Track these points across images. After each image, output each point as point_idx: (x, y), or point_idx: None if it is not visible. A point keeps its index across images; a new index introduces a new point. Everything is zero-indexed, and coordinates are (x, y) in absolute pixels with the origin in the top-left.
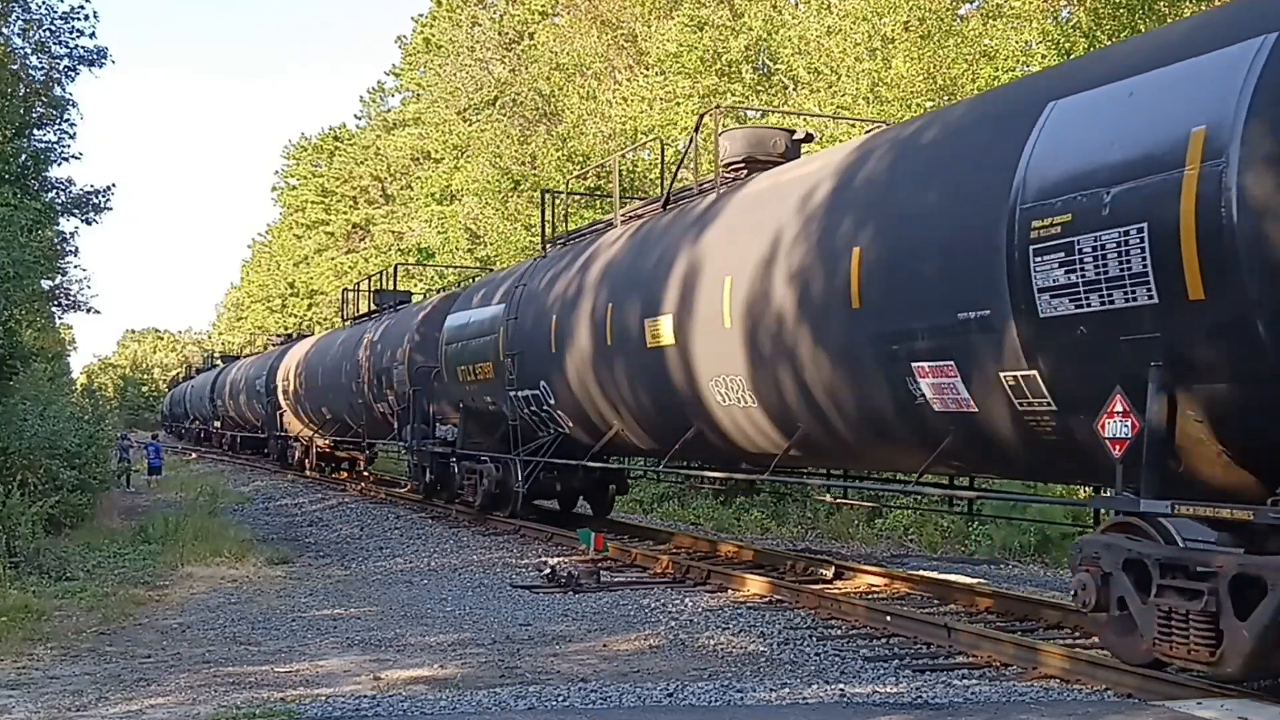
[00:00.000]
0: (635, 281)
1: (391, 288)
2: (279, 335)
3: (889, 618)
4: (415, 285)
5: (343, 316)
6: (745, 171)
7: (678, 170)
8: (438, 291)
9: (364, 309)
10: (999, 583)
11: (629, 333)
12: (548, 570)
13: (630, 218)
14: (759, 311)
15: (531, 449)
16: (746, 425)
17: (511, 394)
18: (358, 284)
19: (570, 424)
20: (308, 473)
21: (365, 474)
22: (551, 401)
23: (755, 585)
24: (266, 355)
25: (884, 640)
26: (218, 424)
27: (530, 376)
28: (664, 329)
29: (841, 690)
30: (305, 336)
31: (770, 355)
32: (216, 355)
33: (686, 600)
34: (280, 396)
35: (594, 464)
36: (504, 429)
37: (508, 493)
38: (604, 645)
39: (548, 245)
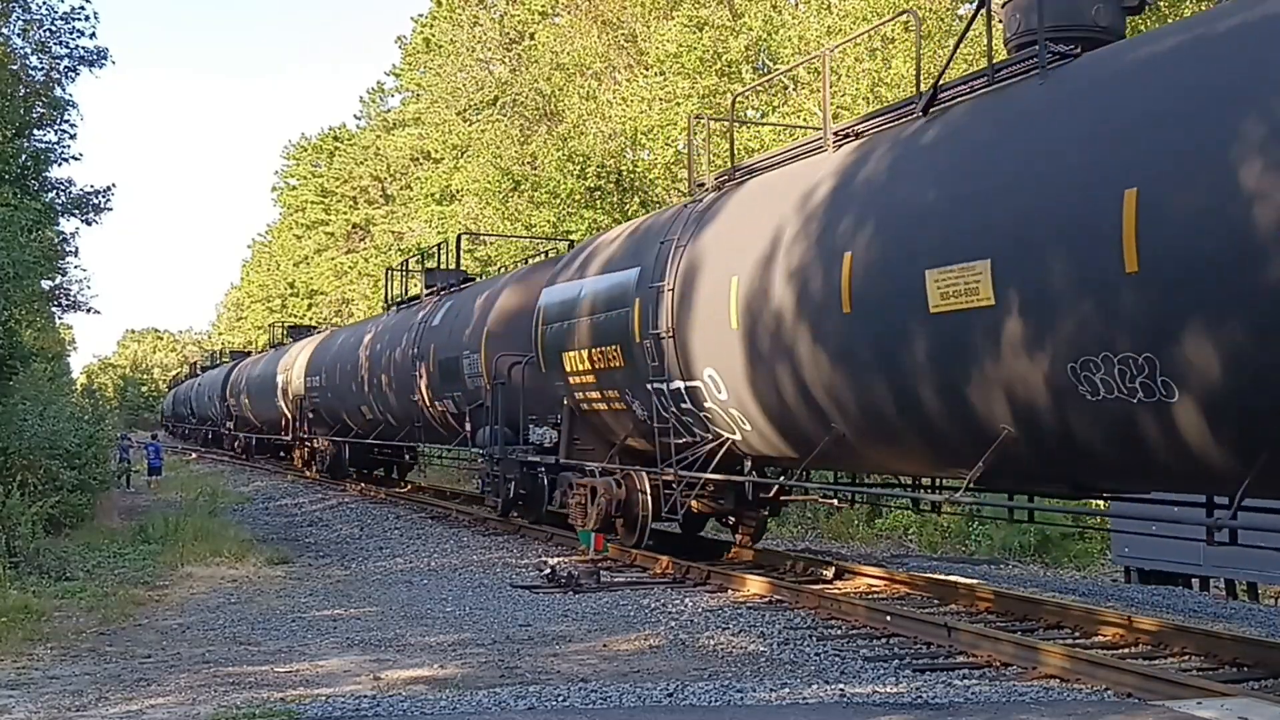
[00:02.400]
0: (900, 217)
1: (449, 264)
2: (298, 326)
3: (889, 618)
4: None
5: (385, 300)
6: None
7: (950, 61)
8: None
9: (383, 297)
10: (999, 583)
11: (889, 292)
12: (548, 570)
13: (847, 135)
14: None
15: (686, 461)
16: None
17: (655, 386)
18: (404, 261)
19: (749, 426)
20: (349, 486)
21: (409, 485)
22: (722, 396)
23: (755, 585)
24: (289, 348)
25: (884, 640)
26: (230, 425)
27: (689, 363)
28: (973, 283)
29: (841, 690)
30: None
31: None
32: (226, 352)
33: (686, 600)
34: (308, 395)
35: (817, 486)
36: (630, 433)
37: (631, 515)
38: (604, 645)
39: (704, 186)
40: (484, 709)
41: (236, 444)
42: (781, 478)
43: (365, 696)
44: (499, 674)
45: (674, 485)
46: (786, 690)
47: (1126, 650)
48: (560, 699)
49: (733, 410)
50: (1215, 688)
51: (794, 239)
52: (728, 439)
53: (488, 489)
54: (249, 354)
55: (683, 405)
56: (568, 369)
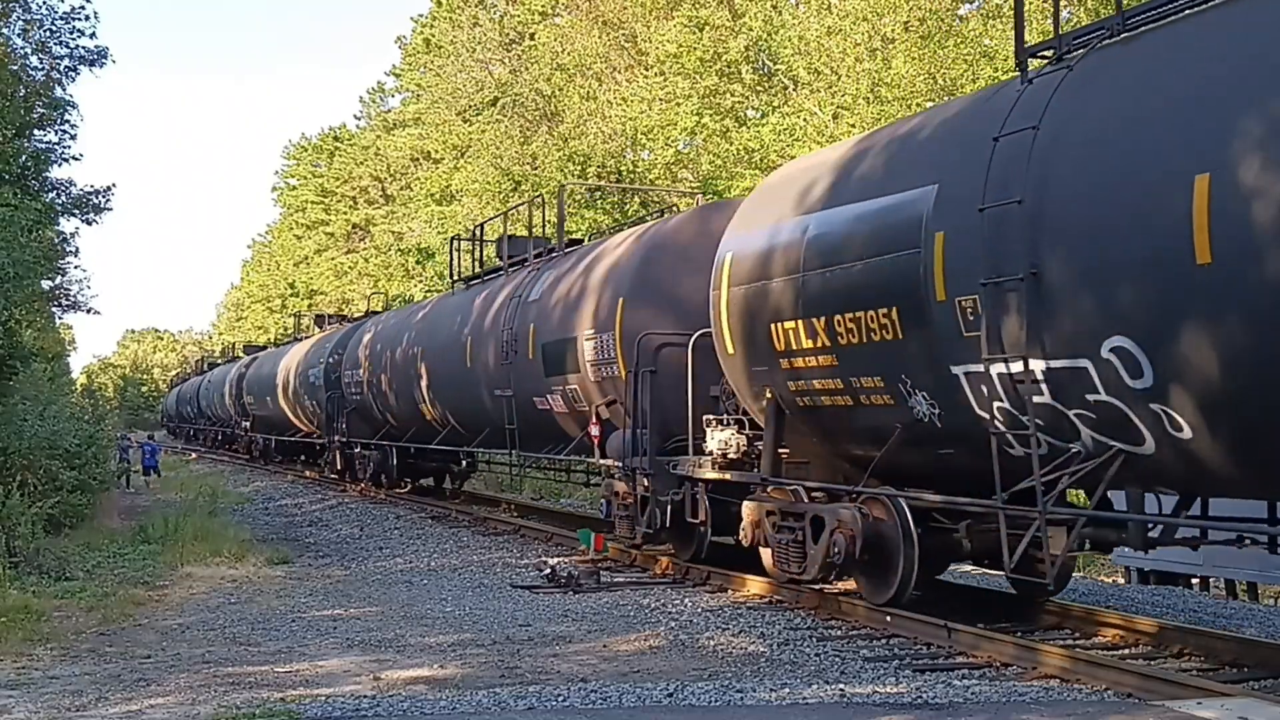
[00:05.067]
0: None
1: (536, 230)
2: (336, 316)
3: (889, 618)
4: (415, 285)
5: (451, 275)
6: None
7: None
8: (437, 292)
9: (450, 272)
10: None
11: None
12: (548, 570)
13: None
14: None
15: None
16: None
17: (971, 370)
18: (474, 230)
19: (1188, 432)
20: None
21: (455, 495)
22: (1140, 383)
23: (755, 586)
24: (326, 338)
25: (884, 640)
26: (246, 425)
27: (1068, 330)
28: None
29: (841, 690)
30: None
31: None
32: (239, 347)
33: (686, 600)
34: (346, 392)
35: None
36: (894, 439)
37: (888, 564)
38: (604, 645)
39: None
40: (484, 709)
41: (254, 447)
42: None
43: (365, 696)
44: (499, 674)
45: (1007, 521)
46: (786, 690)
47: (1126, 650)
48: (560, 699)
49: (1158, 406)
50: (1215, 688)
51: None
52: (1127, 452)
53: (620, 513)
54: (264, 349)
55: (1037, 399)
56: (778, 347)
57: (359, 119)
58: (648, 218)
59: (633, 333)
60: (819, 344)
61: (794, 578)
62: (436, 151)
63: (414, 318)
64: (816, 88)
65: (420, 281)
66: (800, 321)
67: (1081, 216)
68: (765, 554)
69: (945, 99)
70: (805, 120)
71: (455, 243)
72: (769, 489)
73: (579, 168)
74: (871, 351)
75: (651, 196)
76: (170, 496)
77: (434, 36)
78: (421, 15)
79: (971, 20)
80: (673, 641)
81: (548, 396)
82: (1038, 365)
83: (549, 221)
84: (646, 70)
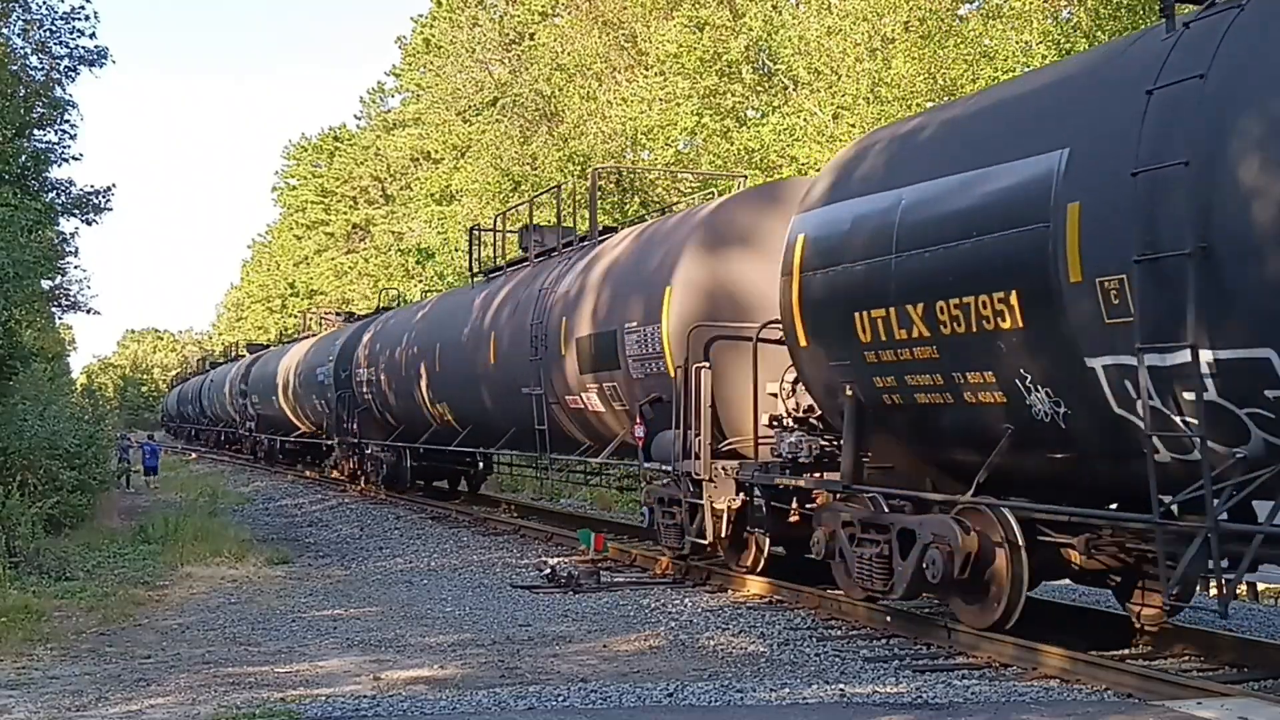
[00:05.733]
0: None
1: (565, 219)
2: (341, 313)
3: (889, 618)
4: (414, 285)
5: (471, 267)
6: None
7: None
8: (437, 292)
9: (469, 264)
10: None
11: None
12: (548, 570)
13: None
14: None
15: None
16: None
17: (1112, 365)
18: (495, 219)
19: None
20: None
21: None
22: None
23: (755, 586)
24: (333, 335)
25: (884, 640)
26: (251, 425)
27: (1240, 317)
28: None
29: (841, 690)
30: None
31: None
32: (241, 346)
33: (686, 601)
34: (357, 391)
35: None
36: (1001, 441)
37: (991, 584)
38: (604, 645)
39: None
40: (484, 709)
41: (258, 448)
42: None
43: (365, 696)
44: (499, 674)
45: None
46: (786, 690)
47: (1126, 650)
48: (560, 699)
49: None
50: (1215, 688)
51: None
52: None
53: (666, 522)
54: (267, 347)
55: (1205, 394)
56: (863, 338)
57: (359, 119)
58: (646, 217)
59: (683, 325)
60: (914, 334)
61: (874, 595)
62: (436, 151)
63: (431, 312)
64: (816, 88)
65: (420, 281)
66: (892, 309)
67: (1267, 178)
68: (837, 568)
69: (945, 99)
70: (805, 120)
71: (474, 233)
72: (844, 497)
73: (579, 168)
74: (981, 342)
75: (652, 196)
76: (170, 496)
77: (434, 36)
78: (421, 15)
79: (971, 20)
80: (673, 641)
81: (582, 395)
82: (1206, 356)
83: (580, 210)
84: (646, 70)
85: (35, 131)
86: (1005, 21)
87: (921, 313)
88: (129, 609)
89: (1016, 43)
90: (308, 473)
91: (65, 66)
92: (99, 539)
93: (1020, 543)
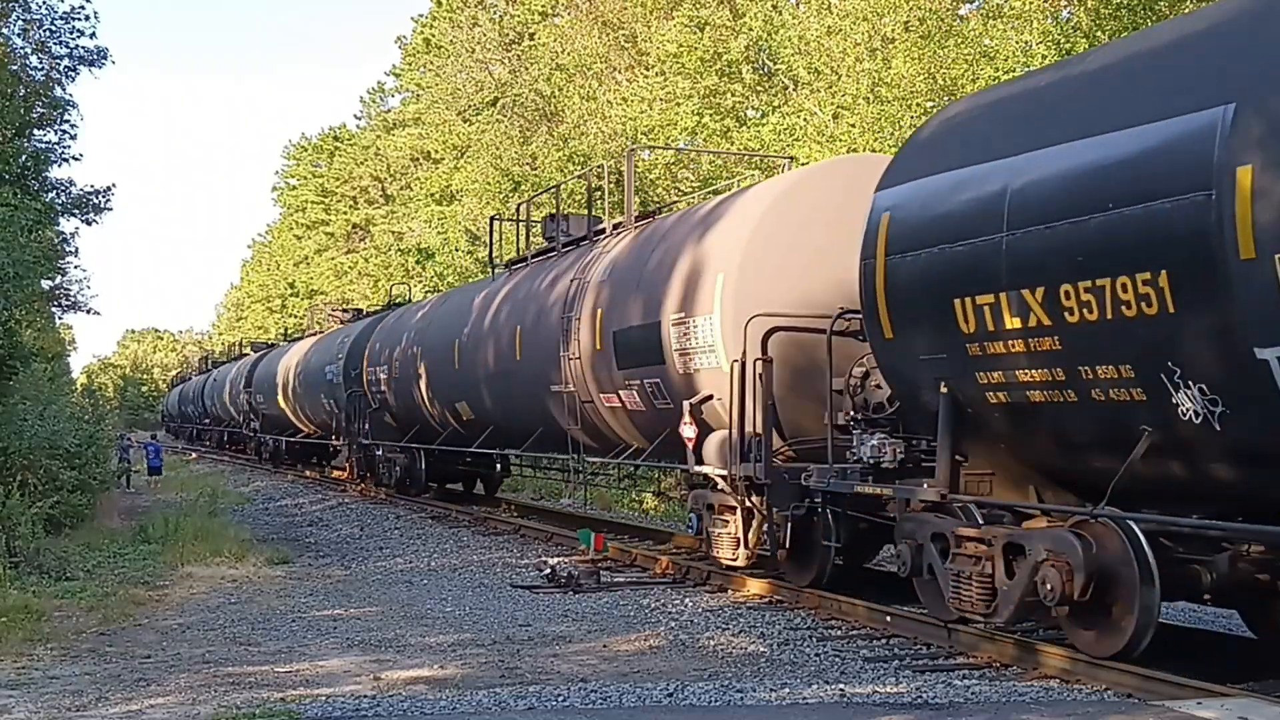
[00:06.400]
0: None
1: (594, 207)
2: (347, 310)
3: (889, 618)
4: (414, 286)
5: (490, 259)
6: None
7: None
8: (436, 291)
9: (488, 255)
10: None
11: None
12: (548, 570)
13: None
14: None
15: None
16: None
17: None
18: (518, 207)
19: None
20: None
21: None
22: None
23: (755, 586)
24: (342, 332)
25: (884, 640)
26: (256, 425)
27: None
28: None
29: (842, 690)
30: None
31: None
32: (246, 344)
33: (686, 600)
34: (369, 391)
35: None
36: (1145, 444)
37: (1115, 606)
38: (604, 645)
39: None
40: (484, 709)
41: (263, 449)
42: None
43: (365, 696)
44: (499, 674)
45: None
46: (787, 690)
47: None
48: (560, 699)
49: None
50: (1215, 688)
51: None
52: None
53: (718, 530)
54: (273, 346)
55: None
56: (965, 329)
57: (359, 119)
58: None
59: (739, 315)
60: (1032, 323)
61: (970, 618)
62: (436, 151)
63: (449, 307)
64: (816, 88)
65: (420, 281)
66: (1003, 295)
67: None
68: (924, 586)
69: (945, 100)
70: (805, 120)
71: (494, 223)
72: (930, 507)
73: (579, 168)
74: (1118, 331)
75: (651, 196)
76: (170, 496)
77: (434, 36)
78: (421, 15)
79: (972, 20)
80: (673, 641)
81: (619, 393)
82: None
83: (611, 195)
84: (646, 70)
85: (35, 131)
86: (1005, 21)
87: (1041, 298)
88: (129, 609)
89: (1016, 43)
90: (308, 473)
91: (65, 66)
92: (99, 539)
93: (1151, 560)
